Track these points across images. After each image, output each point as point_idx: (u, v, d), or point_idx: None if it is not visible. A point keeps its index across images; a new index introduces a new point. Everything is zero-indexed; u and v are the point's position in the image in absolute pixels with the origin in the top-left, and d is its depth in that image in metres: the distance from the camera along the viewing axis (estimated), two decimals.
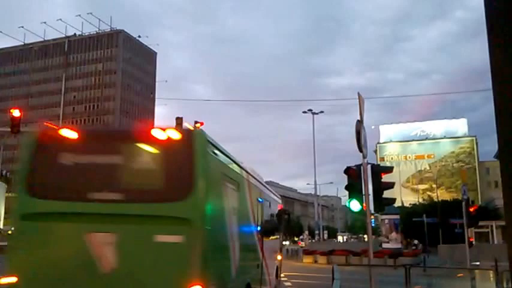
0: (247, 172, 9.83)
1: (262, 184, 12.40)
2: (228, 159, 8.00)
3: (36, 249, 6.38)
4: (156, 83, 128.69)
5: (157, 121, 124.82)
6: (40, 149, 6.81)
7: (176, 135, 6.51)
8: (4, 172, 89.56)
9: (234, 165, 8.56)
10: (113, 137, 7.36)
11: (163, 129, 6.53)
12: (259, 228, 10.71)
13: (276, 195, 15.60)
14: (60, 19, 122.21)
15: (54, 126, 7.33)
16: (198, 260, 6.08)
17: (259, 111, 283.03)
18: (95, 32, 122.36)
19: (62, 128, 6.98)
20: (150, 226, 6.20)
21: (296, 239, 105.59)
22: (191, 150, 6.40)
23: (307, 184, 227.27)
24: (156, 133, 6.48)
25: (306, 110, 54.03)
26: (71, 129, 6.83)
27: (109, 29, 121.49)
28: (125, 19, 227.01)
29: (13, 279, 6.17)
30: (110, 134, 8.04)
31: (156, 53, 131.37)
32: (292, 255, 44.60)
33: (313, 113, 54.04)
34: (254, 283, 9.80)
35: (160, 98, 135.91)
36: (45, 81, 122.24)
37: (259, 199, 11.13)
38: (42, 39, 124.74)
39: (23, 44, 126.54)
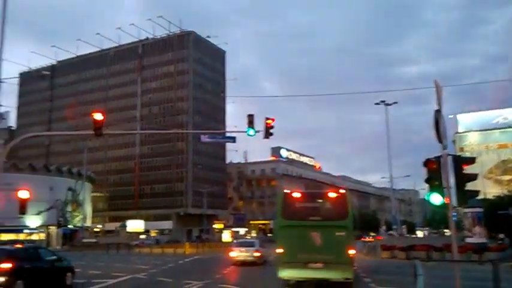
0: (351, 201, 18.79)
1: None
2: (350, 199, 16.87)
3: (289, 238, 15.79)
4: (226, 81, 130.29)
5: (228, 118, 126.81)
6: (286, 198, 16.48)
7: (339, 193, 16.15)
8: (89, 173, 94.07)
9: (351, 200, 16.99)
10: (315, 195, 17.92)
11: (334, 191, 16.41)
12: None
13: None
14: (133, 24, 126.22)
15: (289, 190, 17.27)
16: (351, 240, 15.89)
17: (328, 104, 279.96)
18: (166, 35, 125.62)
19: (295, 191, 16.80)
20: (333, 229, 15.34)
21: (373, 234, 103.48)
22: (345, 199, 16.02)
23: (382, 178, 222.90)
24: (331, 193, 16.28)
25: (379, 102, 52.22)
26: (298, 191, 16.76)
27: (179, 31, 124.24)
28: (194, 20, 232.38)
29: (281, 250, 15.77)
30: (314, 193, 19.97)
31: (225, 52, 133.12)
32: (369, 251, 43.75)
33: (386, 104, 51.93)
34: None
35: (230, 96, 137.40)
36: (121, 85, 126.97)
37: None
38: (117, 44, 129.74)
39: (99, 49, 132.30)
